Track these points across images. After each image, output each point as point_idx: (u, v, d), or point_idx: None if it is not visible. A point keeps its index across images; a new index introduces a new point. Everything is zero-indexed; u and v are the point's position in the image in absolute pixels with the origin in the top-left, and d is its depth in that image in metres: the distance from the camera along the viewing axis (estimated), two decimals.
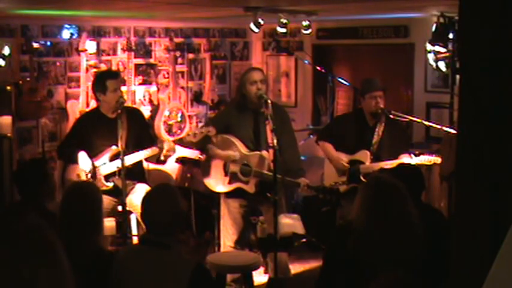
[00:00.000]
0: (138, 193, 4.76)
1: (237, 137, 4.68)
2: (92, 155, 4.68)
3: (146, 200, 2.99)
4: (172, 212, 2.91)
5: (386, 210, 2.92)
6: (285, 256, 4.75)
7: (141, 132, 4.84)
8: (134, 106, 6.15)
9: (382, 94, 4.87)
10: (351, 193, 4.51)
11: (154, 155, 4.74)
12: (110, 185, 4.68)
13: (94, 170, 4.64)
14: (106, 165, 4.68)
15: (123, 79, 6.23)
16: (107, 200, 4.43)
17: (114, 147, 4.62)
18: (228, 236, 4.81)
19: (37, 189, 3.65)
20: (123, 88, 6.40)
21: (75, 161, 4.63)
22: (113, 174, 4.67)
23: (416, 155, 4.72)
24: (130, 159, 4.60)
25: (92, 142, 4.71)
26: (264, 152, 4.59)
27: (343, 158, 4.94)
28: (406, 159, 4.66)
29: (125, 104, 4.71)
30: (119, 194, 4.55)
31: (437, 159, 4.67)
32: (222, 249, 4.89)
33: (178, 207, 2.95)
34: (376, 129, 4.89)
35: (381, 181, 3.09)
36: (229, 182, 4.70)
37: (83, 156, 4.64)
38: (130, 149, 4.60)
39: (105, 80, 4.72)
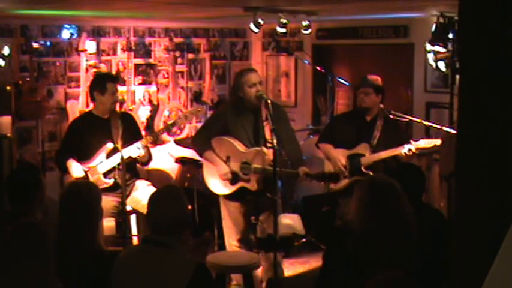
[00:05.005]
0: (140, 189, 4.84)
1: (235, 138, 4.66)
2: (89, 155, 4.72)
3: (152, 201, 2.99)
4: (178, 214, 2.91)
5: (382, 210, 2.93)
6: (279, 256, 4.71)
7: (135, 137, 4.85)
8: (127, 111, 6.13)
9: (371, 91, 4.89)
10: (349, 192, 4.51)
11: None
12: (110, 181, 4.71)
13: (86, 175, 4.69)
14: (103, 163, 4.71)
15: (122, 81, 6.25)
16: (108, 200, 4.46)
17: (109, 144, 4.68)
18: (231, 235, 4.79)
19: (28, 199, 3.43)
20: (123, 88, 6.43)
21: (66, 171, 4.72)
22: (111, 171, 4.71)
23: (415, 141, 4.76)
24: (125, 154, 4.63)
25: (89, 143, 4.76)
26: (264, 148, 4.57)
27: (342, 157, 4.94)
28: (407, 146, 4.69)
29: (124, 105, 4.75)
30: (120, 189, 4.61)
31: (438, 141, 4.70)
32: (227, 249, 4.84)
33: (184, 208, 2.95)
34: (376, 124, 4.92)
35: (376, 181, 3.09)
36: (232, 183, 4.68)
37: (74, 165, 4.67)
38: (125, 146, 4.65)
39: (106, 82, 4.82)
